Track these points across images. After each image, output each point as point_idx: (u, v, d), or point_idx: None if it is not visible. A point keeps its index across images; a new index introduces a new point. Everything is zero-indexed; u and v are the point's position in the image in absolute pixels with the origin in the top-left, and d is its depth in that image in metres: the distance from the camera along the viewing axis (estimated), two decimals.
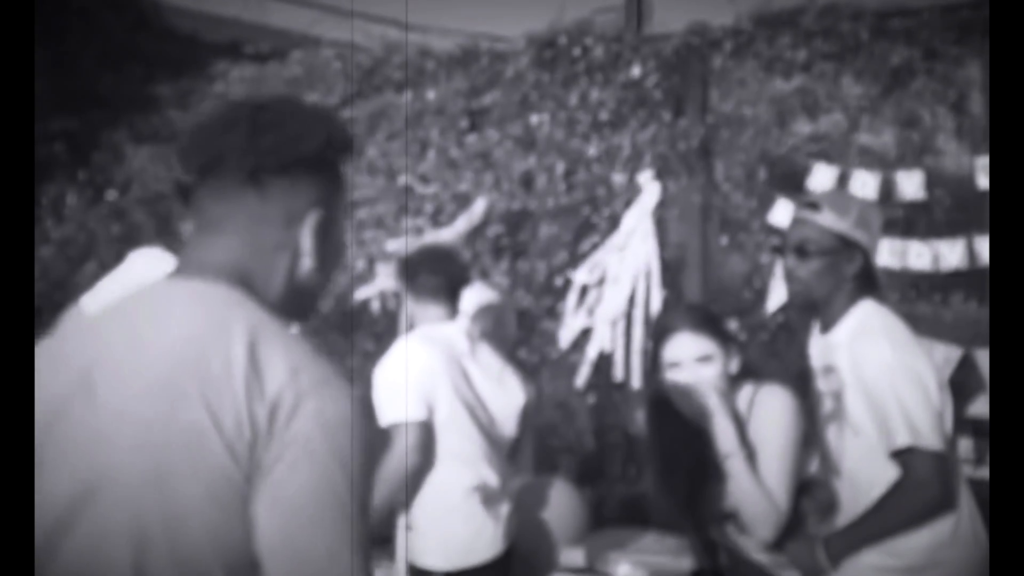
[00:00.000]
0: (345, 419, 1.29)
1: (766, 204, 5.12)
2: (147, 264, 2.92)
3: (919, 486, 2.53)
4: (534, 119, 5.71)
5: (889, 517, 2.56)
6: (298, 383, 1.30)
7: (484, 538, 3.14)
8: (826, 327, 2.72)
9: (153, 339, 1.34)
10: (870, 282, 2.71)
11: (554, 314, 5.59)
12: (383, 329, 5.47)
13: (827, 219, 2.63)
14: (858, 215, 2.66)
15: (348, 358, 5.67)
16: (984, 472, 4.31)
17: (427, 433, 3.14)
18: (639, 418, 4.31)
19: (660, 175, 5.41)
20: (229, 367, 1.29)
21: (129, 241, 5.53)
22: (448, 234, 5.59)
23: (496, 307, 3.82)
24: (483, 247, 5.68)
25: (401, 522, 3.24)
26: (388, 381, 3.17)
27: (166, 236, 3.07)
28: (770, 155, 5.16)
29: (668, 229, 5.41)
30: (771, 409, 2.64)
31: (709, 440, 2.61)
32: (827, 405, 2.69)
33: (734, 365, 2.68)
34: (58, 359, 1.42)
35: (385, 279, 5.43)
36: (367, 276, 5.73)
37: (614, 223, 5.49)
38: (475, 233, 5.62)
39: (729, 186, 5.29)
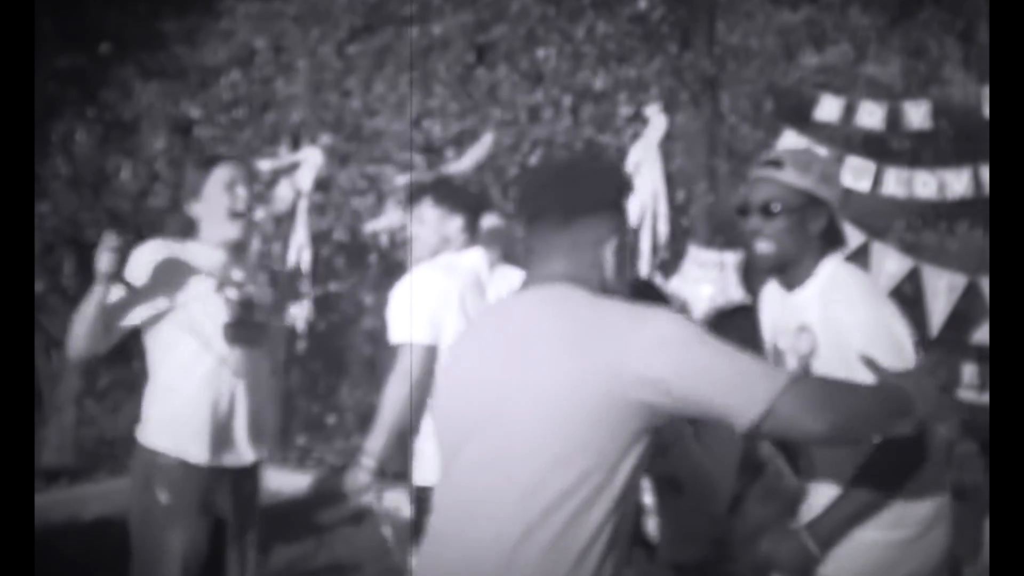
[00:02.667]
0: (674, 322, 1.84)
1: (773, 135, 5.13)
2: (152, 256, 2.89)
3: (899, 449, 2.45)
4: (540, 53, 5.71)
5: (872, 486, 2.50)
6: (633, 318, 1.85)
7: None
8: (791, 286, 2.65)
9: (532, 328, 1.88)
10: (835, 238, 2.64)
11: None
12: (392, 261, 5.52)
13: (790, 176, 2.57)
14: (821, 171, 2.60)
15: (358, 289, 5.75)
16: (986, 398, 4.37)
17: (433, 357, 3.19)
18: None
19: (667, 107, 5.42)
20: (581, 333, 1.84)
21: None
22: (456, 169, 5.62)
23: (503, 232, 3.85)
24: (491, 180, 5.71)
25: (410, 444, 3.32)
26: (401, 304, 3.22)
27: (179, 221, 3.02)
28: (777, 86, 5.17)
29: (675, 161, 5.43)
30: None
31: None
32: (790, 364, 2.63)
33: None
34: (461, 358, 2.02)
35: (394, 213, 5.47)
36: (376, 210, 5.78)
37: (621, 155, 5.51)
38: (483, 167, 5.65)
39: (736, 118, 5.30)
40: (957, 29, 4.83)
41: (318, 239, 6.14)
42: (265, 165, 6.15)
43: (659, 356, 1.79)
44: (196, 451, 2.88)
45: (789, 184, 2.56)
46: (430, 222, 3.45)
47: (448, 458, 2.00)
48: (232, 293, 2.92)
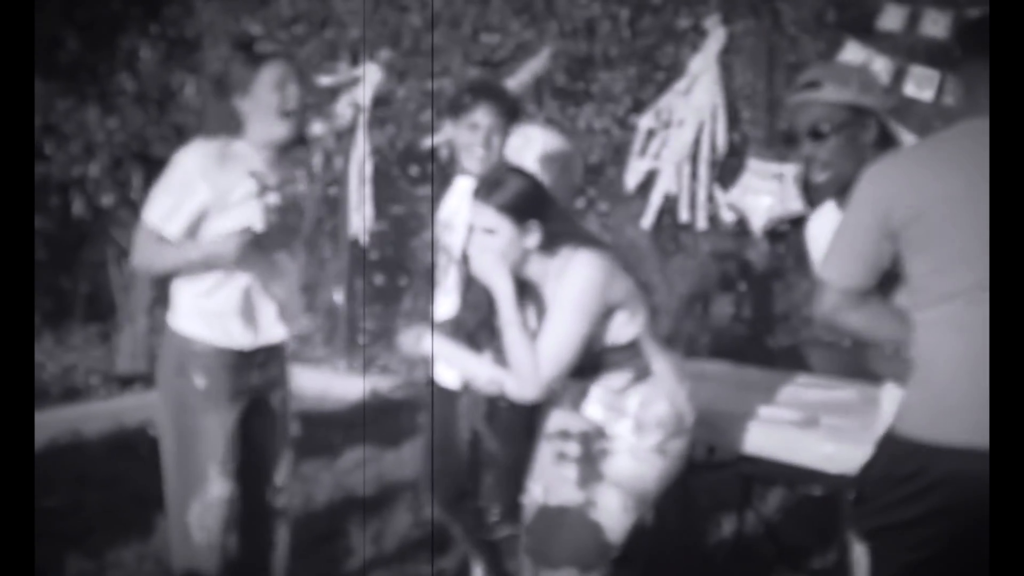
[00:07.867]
0: None
1: (835, 47, 5.09)
2: (196, 159, 2.85)
3: None
4: None
5: None
6: None
7: None
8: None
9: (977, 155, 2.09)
10: (889, 144, 2.59)
11: (619, 159, 5.67)
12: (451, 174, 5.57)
13: (830, 93, 2.54)
14: (859, 80, 2.58)
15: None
16: None
17: None
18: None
19: (726, 19, 5.40)
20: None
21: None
22: (512, 83, 5.64)
23: (562, 154, 3.88)
24: (548, 94, 5.74)
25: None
26: None
27: (225, 119, 2.95)
28: None
29: (734, 73, 5.42)
30: (573, 273, 2.64)
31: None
32: None
33: (532, 240, 2.67)
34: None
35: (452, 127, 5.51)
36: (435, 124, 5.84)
37: (679, 68, 5.51)
38: (539, 81, 5.67)
39: (796, 28, 5.26)
40: None
41: (378, 154, 6.22)
42: (325, 81, 6.22)
43: None
44: (229, 337, 2.92)
45: (831, 102, 2.53)
46: (486, 131, 3.46)
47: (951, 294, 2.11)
48: (273, 198, 2.90)
